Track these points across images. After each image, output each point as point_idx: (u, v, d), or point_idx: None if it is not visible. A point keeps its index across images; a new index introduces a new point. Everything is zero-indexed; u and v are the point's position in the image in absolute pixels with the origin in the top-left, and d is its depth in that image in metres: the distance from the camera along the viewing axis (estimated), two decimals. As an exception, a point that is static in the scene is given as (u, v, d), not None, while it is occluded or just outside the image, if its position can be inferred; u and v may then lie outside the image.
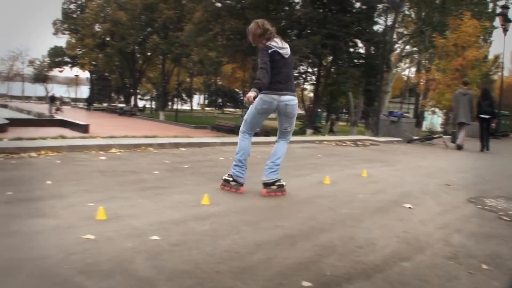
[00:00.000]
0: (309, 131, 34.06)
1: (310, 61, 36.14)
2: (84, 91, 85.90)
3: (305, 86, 44.47)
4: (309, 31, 34.50)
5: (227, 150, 10.00)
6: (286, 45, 6.02)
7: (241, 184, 6.14)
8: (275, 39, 5.92)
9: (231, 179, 6.17)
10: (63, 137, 9.67)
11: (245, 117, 6.25)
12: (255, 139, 8.13)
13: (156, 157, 8.28)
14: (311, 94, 47.91)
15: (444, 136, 18.46)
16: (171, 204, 5.20)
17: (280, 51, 5.86)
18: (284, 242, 4.30)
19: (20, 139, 9.23)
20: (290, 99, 5.93)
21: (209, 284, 3.32)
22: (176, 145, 9.90)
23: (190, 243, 4.07)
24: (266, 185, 6.14)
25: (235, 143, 11.26)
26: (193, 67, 54.19)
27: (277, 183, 6.18)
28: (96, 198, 5.22)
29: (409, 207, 5.94)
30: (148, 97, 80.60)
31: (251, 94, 5.44)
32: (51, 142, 8.73)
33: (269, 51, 5.80)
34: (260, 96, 5.81)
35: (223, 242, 4.15)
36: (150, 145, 9.37)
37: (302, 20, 34.52)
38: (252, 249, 4.05)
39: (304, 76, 40.13)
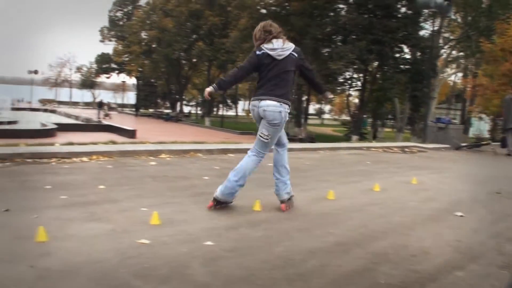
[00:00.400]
0: (354, 137, 33.88)
1: (355, 67, 35.96)
2: (130, 97, 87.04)
3: (350, 92, 44.26)
4: (354, 36, 34.32)
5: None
6: (288, 46, 5.35)
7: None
8: (273, 41, 5.34)
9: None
10: (113, 143, 9.80)
11: None
12: (301, 145, 8.09)
13: (205, 163, 8.33)
14: (356, 100, 47.64)
15: (493, 143, 18.13)
16: (222, 210, 5.21)
17: (271, 52, 5.26)
18: (337, 249, 4.27)
19: (71, 144, 9.41)
20: (269, 105, 5.22)
21: (264, 291, 3.32)
22: (224, 151, 9.95)
23: (244, 249, 4.08)
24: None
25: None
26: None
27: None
28: (149, 203, 5.28)
29: (461, 215, 5.83)
30: (193, 103, 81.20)
31: (208, 89, 5.27)
32: (102, 147, 8.87)
33: (257, 52, 5.31)
34: None
35: (277, 249, 4.15)
36: (199, 151, 9.44)
37: (348, 26, 34.35)
38: (306, 256, 4.04)
39: (349, 82, 39.95)
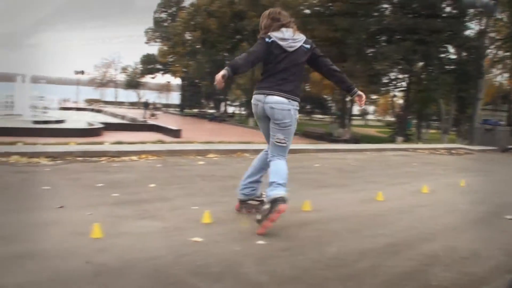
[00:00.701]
0: (399, 138, 33.55)
1: (400, 67, 35.64)
2: (174, 97, 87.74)
3: (395, 93, 43.86)
4: (399, 37, 33.99)
5: (322, 157, 9.99)
6: (299, 37, 4.76)
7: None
8: (283, 29, 4.74)
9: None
10: (161, 142, 9.92)
11: None
12: (346, 146, 8.05)
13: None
14: (401, 101, 47.16)
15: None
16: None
17: (281, 43, 4.66)
18: (387, 250, 4.26)
19: (120, 143, 9.56)
20: (278, 101, 4.64)
21: (317, 290, 3.34)
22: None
23: (296, 249, 4.11)
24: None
25: (330, 150, 11.30)
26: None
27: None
28: (199, 201, 5.34)
29: (510, 219, 5.75)
30: (237, 103, 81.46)
31: (220, 73, 4.34)
32: (150, 146, 8.99)
33: (267, 40, 4.66)
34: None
35: (328, 249, 4.16)
36: (246, 150, 9.49)
37: (392, 26, 34.05)
38: (357, 256, 4.04)
39: (394, 82, 39.59)
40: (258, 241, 4.19)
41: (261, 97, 4.71)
